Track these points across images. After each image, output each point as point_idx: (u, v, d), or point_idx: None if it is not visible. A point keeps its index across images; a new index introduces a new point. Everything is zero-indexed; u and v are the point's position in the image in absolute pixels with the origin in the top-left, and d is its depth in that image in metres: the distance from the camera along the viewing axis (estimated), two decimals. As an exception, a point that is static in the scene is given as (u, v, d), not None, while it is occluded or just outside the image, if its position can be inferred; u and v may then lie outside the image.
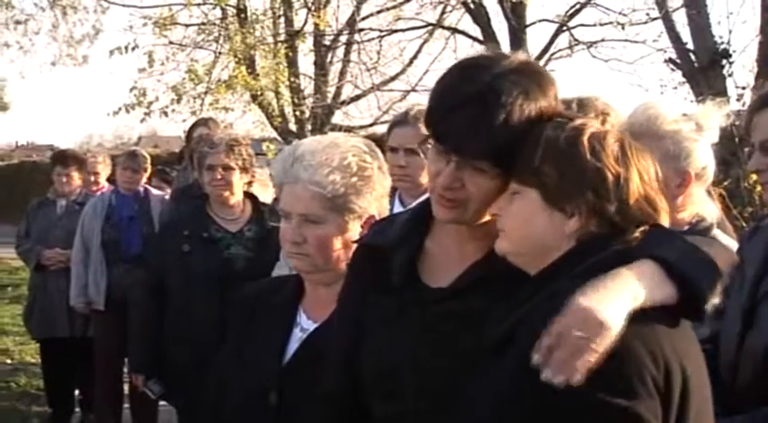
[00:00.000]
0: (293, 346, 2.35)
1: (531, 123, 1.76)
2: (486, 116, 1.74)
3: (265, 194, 5.71)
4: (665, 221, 1.79)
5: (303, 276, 2.38)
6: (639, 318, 1.64)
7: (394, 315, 1.95)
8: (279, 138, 15.75)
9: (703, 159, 2.67)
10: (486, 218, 1.87)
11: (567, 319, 1.59)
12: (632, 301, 1.65)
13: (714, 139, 2.71)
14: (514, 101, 1.75)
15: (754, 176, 6.67)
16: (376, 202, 2.29)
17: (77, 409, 7.28)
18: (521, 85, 1.77)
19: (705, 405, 1.73)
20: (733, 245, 2.60)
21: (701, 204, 2.68)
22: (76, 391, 7.28)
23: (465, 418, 1.75)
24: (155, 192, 6.79)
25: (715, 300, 1.73)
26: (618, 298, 1.63)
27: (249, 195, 4.82)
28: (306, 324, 2.36)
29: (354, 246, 2.16)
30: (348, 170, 2.25)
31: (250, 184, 4.83)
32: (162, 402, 6.07)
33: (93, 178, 7.29)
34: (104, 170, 7.43)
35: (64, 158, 7.34)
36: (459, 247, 1.93)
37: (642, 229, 1.74)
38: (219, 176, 4.59)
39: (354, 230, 2.26)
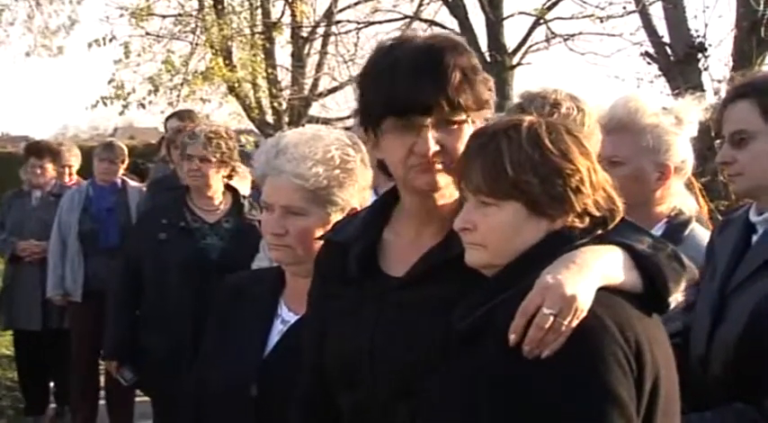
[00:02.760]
0: (274, 338, 2.36)
1: (471, 69, 1.87)
2: (430, 69, 1.84)
3: (243, 186, 5.70)
4: (622, 208, 1.80)
5: (284, 268, 2.39)
6: (608, 296, 1.67)
7: (354, 306, 1.97)
8: (256, 129, 15.72)
9: (683, 153, 2.70)
10: (446, 199, 1.90)
11: (536, 297, 1.62)
12: (601, 278, 1.67)
13: (693, 132, 2.74)
14: (447, 51, 1.86)
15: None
16: (359, 194, 2.30)
17: (53, 402, 7.24)
18: (445, 43, 1.89)
19: (673, 394, 1.74)
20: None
21: (680, 198, 2.71)
22: (51, 384, 7.24)
23: (439, 404, 1.75)
24: (132, 183, 6.75)
25: (679, 295, 1.75)
26: (587, 274, 1.65)
27: (230, 187, 4.82)
28: (287, 316, 2.37)
29: None
30: (331, 163, 2.26)
31: (230, 176, 4.81)
32: (139, 399, 6.07)
33: (67, 170, 7.26)
34: (76, 162, 7.40)
35: (38, 150, 7.29)
36: (416, 236, 1.96)
37: (615, 222, 1.76)
38: (196, 167, 4.60)
39: None
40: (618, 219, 1.77)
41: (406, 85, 1.84)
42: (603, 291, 1.66)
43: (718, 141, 2.48)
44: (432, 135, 1.84)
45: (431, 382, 1.78)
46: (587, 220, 1.74)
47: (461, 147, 1.83)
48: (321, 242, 2.22)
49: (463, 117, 1.86)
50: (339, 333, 1.99)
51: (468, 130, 1.86)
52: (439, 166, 1.86)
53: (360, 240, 1.99)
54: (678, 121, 2.67)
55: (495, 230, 1.73)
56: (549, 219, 1.72)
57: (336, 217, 2.27)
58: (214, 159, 4.59)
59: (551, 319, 1.60)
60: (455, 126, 1.86)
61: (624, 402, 1.60)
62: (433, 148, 1.84)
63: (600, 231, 1.74)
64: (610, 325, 1.63)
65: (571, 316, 1.60)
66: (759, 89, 2.35)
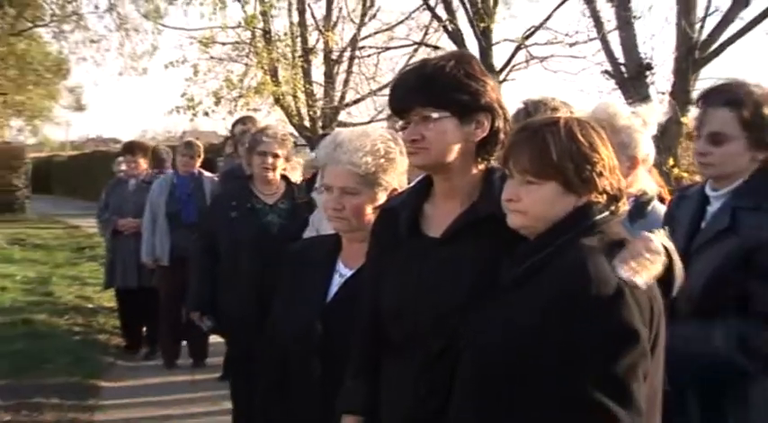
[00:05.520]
0: (334, 288, 2.39)
1: (465, 76, 1.93)
2: (421, 73, 1.95)
3: (294, 174, 5.74)
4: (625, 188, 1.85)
5: (341, 235, 2.43)
6: None
7: (403, 260, 2.02)
8: (296, 132, 15.73)
9: (647, 148, 2.73)
10: (461, 178, 1.97)
11: (639, 244, 1.71)
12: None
13: (654, 131, 2.77)
14: (442, 62, 1.94)
15: (671, 162, 6.75)
16: (398, 178, 2.34)
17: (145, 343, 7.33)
18: (448, 58, 1.96)
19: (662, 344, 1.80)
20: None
21: (644, 182, 2.74)
22: (144, 329, 7.33)
23: (483, 341, 1.77)
24: (207, 173, 6.80)
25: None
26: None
27: (283, 176, 4.83)
28: (344, 271, 2.41)
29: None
30: (378, 153, 2.30)
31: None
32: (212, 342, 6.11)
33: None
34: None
35: (131, 148, 7.39)
36: (447, 206, 2.00)
37: (623, 201, 1.82)
38: (270, 162, 4.58)
39: (382, 200, 2.31)
40: (625, 197, 1.82)
41: (390, 96, 2.01)
42: None
43: (691, 132, 2.44)
44: (412, 128, 1.94)
45: (477, 318, 1.81)
46: (605, 197, 1.79)
47: (439, 137, 1.92)
48: (370, 214, 2.27)
49: (435, 115, 1.91)
50: (391, 282, 2.04)
51: (448, 124, 1.92)
52: (416, 151, 1.95)
53: (406, 208, 2.04)
54: (644, 123, 2.70)
55: (536, 203, 1.77)
56: (577, 195, 1.77)
57: (382, 195, 2.31)
58: (282, 156, 4.60)
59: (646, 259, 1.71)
60: (432, 121, 1.91)
61: (643, 338, 1.67)
62: (410, 137, 1.95)
63: (613, 208, 1.79)
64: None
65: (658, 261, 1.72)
66: (740, 102, 2.31)
